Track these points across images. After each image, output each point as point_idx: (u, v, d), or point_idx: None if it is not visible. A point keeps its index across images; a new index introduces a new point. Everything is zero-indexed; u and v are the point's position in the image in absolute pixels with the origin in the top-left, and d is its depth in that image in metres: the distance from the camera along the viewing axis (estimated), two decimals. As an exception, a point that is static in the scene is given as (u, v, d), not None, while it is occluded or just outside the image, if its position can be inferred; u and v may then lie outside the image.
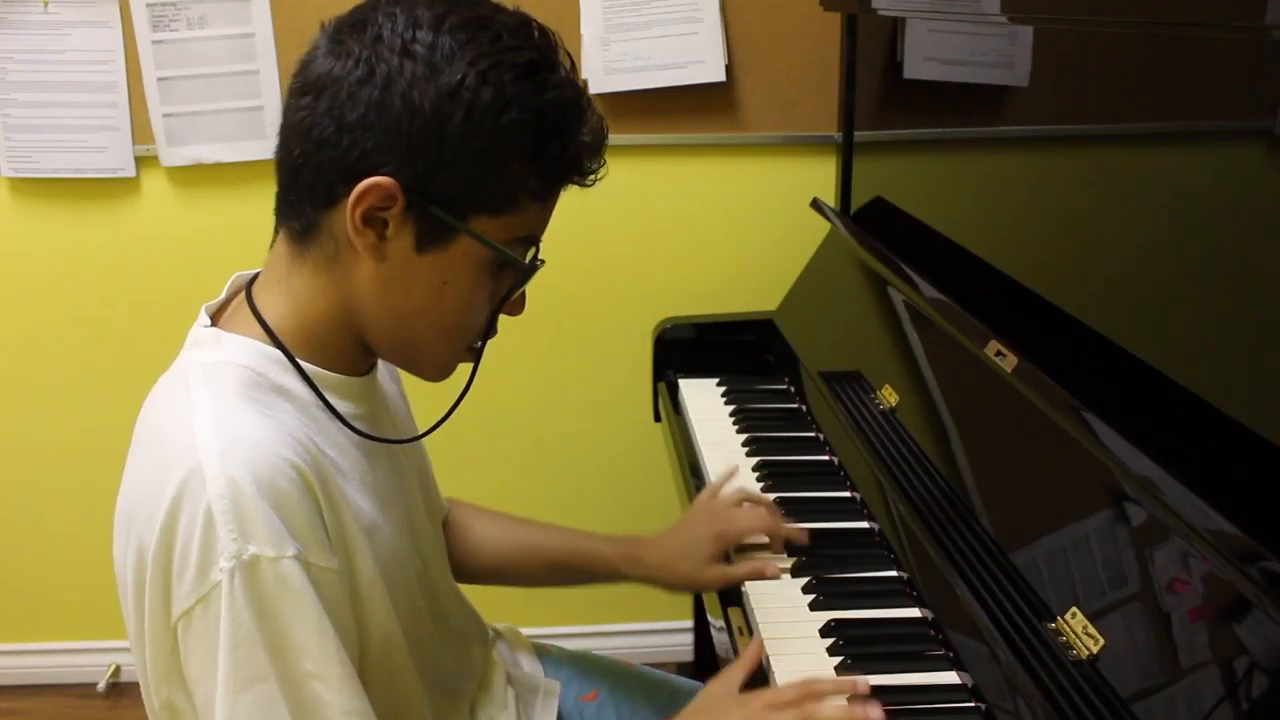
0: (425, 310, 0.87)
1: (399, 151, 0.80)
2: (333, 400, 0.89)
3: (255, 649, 0.78)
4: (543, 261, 0.90)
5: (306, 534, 0.81)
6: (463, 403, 0.94)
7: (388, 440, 0.96)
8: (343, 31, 0.83)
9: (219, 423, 0.81)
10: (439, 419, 0.97)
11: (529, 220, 0.87)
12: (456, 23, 0.81)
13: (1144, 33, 1.05)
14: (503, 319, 0.93)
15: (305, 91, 0.83)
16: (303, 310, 0.88)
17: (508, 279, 0.89)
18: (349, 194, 0.81)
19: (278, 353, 0.87)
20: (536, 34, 0.85)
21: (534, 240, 0.89)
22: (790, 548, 1.22)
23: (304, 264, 0.87)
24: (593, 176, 0.89)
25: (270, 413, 0.83)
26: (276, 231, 0.90)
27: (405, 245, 0.83)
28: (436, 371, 0.93)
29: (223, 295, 0.94)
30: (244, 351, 0.86)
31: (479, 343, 0.92)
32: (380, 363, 0.99)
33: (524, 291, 0.92)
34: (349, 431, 0.90)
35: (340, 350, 0.90)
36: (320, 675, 0.80)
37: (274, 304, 0.88)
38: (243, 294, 0.91)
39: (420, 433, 1.01)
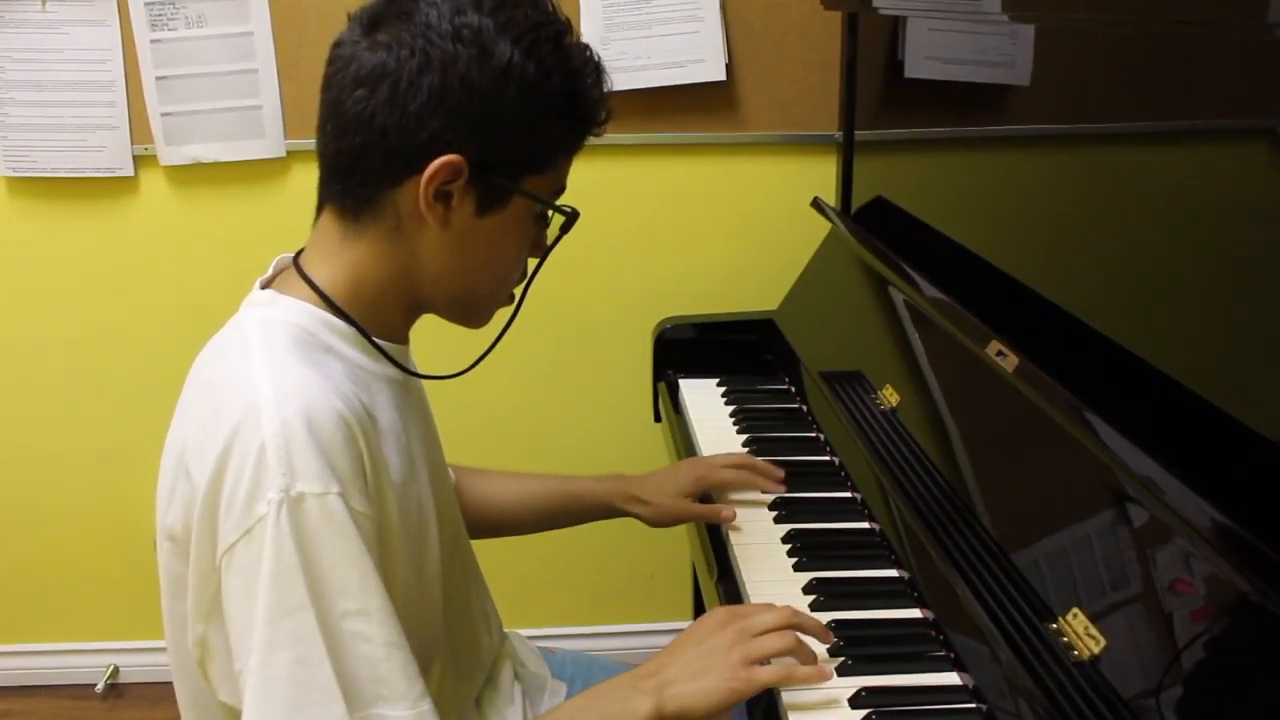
0: (484, 266, 0.96)
1: (462, 130, 0.87)
2: (378, 364, 0.95)
3: (295, 581, 0.81)
4: (576, 210, 0.98)
5: (349, 479, 0.85)
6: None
7: (435, 376, 1.05)
8: (383, 21, 0.88)
9: (275, 370, 0.86)
10: (484, 351, 1.04)
11: (562, 173, 0.97)
12: (492, 3, 0.88)
13: (1144, 32, 1.04)
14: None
15: (359, 84, 0.88)
16: (358, 278, 0.93)
17: (543, 228, 0.99)
18: (416, 173, 0.88)
19: (327, 315, 0.92)
20: (549, 4, 0.93)
21: (563, 189, 0.98)
22: (789, 547, 1.22)
23: (360, 238, 0.93)
24: (604, 125, 0.97)
25: (320, 368, 0.88)
26: (319, 210, 0.96)
27: (468, 212, 0.91)
28: (485, 319, 1.02)
29: (269, 271, 0.98)
30: (296, 312, 0.92)
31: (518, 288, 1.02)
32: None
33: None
34: (387, 394, 0.95)
35: (387, 317, 0.96)
36: (363, 610, 0.83)
37: (325, 273, 0.94)
38: (290, 267, 0.96)
39: (464, 368, 1.06)
